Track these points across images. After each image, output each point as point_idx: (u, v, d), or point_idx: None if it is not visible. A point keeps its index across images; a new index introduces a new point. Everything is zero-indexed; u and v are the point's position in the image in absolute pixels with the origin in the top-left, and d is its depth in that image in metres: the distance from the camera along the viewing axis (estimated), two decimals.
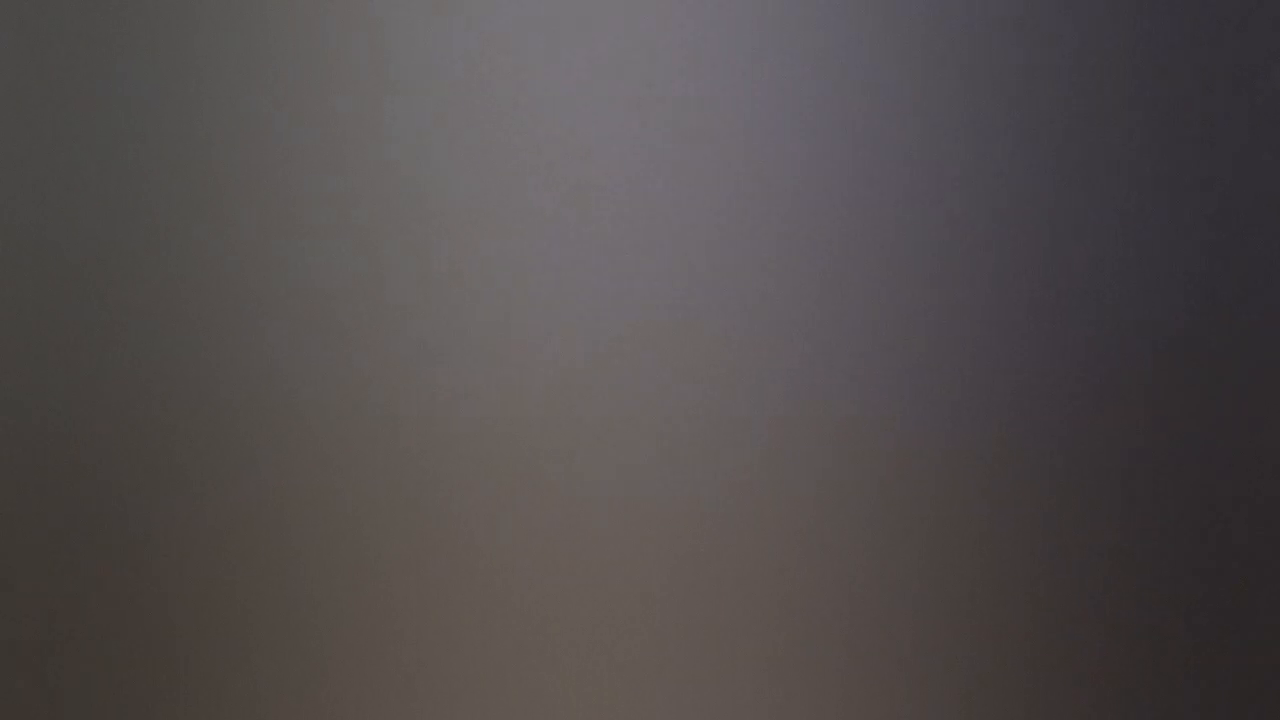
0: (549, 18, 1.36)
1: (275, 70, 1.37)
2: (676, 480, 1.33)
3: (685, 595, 1.30)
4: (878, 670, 1.28)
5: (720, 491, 1.33)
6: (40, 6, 1.38)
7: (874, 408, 1.35)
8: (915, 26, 1.35)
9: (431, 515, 1.33)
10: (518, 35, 1.36)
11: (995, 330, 1.35)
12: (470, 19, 1.36)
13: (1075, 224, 1.35)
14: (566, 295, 1.37)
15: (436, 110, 1.36)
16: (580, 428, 1.35)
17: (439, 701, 1.27)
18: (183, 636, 1.28)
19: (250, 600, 1.30)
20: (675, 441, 1.35)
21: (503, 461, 1.34)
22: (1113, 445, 1.34)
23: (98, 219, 1.37)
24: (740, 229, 1.36)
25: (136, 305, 1.37)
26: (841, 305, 1.36)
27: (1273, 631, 1.27)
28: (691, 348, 1.36)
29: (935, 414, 1.34)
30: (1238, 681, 1.26)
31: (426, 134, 1.36)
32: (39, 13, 1.37)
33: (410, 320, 1.37)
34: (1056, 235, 1.35)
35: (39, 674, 1.27)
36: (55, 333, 1.37)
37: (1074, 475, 1.34)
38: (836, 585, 1.30)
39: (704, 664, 1.27)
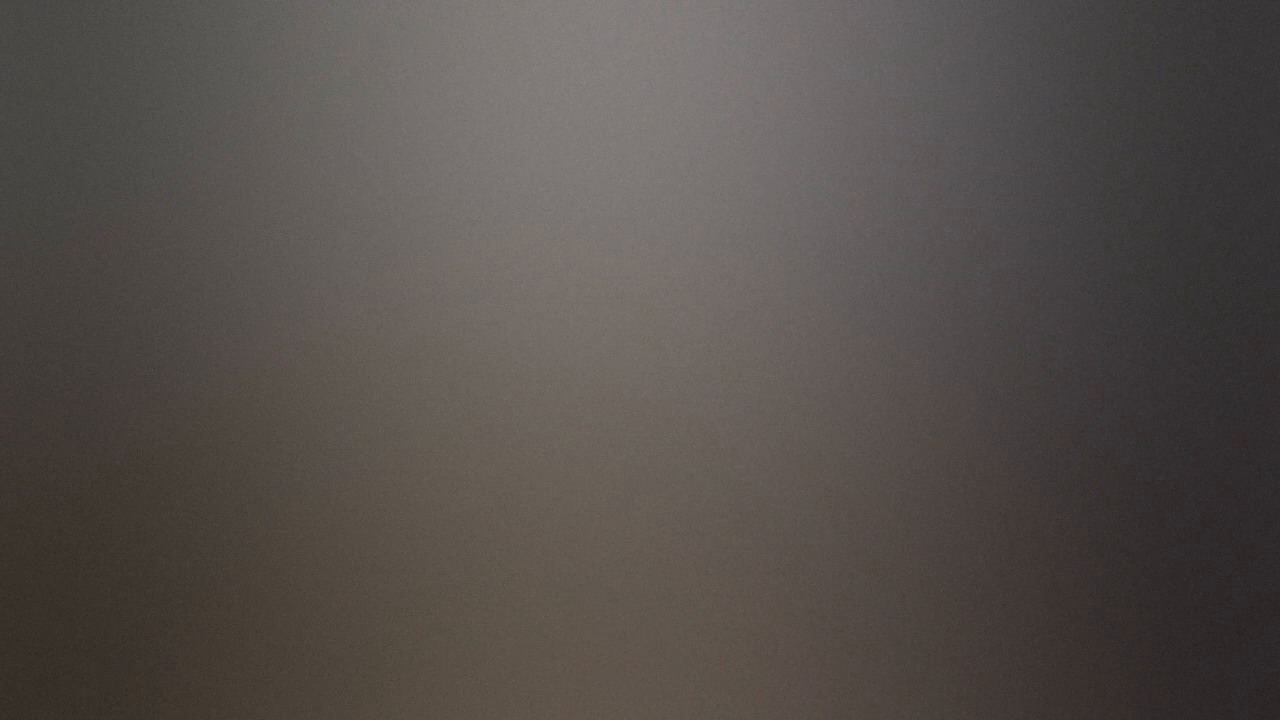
0: (549, 17, 1.36)
1: (275, 70, 1.37)
2: (677, 479, 1.33)
3: (686, 596, 1.30)
4: (879, 672, 1.28)
5: (721, 490, 1.33)
6: (40, 6, 1.38)
7: (874, 406, 1.35)
8: (915, 26, 1.35)
9: (431, 516, 1.33)
10: (518, 33, 1.36)
11: (994, 330, 1.35)
12: (471, 18, 1.36)
13: (1076, 225, 1.35)
14: (567, 295, 1.37)
15: (437, 109, 1.36)
16: (581, 427, 1.35)
17: (439, 702, 1.27)
18: (181, 638, 1.28)
19: (249, 601, 1.30)
20: (676, 441, 1.35)
21: (503, 461, 1.34)
22: (1112, 446, 1.34)
23: (97, 219, 1.37)
24: (741, 230, 1.36)
25: (135, 305, 1.37)
26: (842, 305, 1.36)
27: (1273, 631, 1.27)
28: (692, 348, 1.36)
29: (936, 413, 1.34)
30: (1238, 682, 1.26)
31: (426, 133, 1.36)
32: (39, 12, 1.38)
33: (410, 319, 1.37)
34: (1056, 236, 1.35)
35: (39, 675, 1.27)
36: (54, 333, 1.37)
37: (1073, 476, 1.34)
38: (838, 586, 1.30)
39: (705, 666, 1.27)
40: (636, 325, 1.36)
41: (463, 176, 1.36)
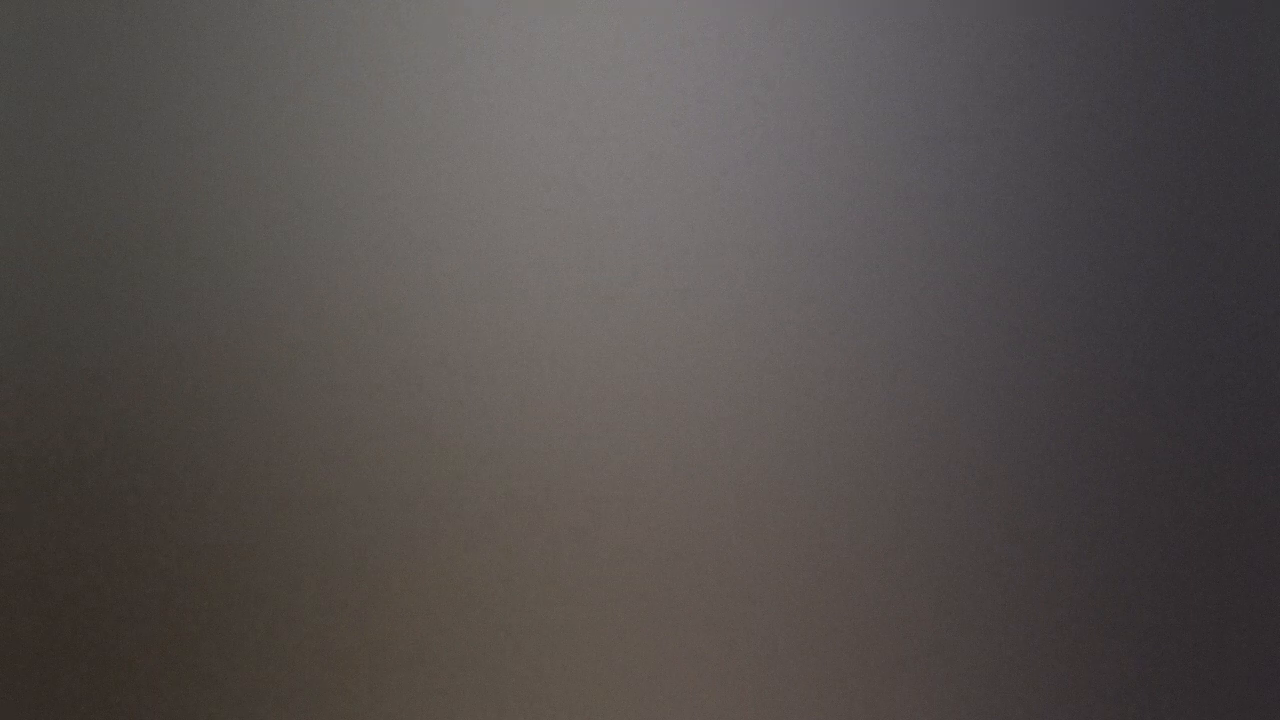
0: (549, 16, 1.36)
1: (275, 70, 1.37)
2: (678, 479, 1.33)
3: (687, 597, 1.30)
4: (880, 672, 1.28)
5: (721, 492, 1.33)
6: (40, 6, 1.38)
7: (876, 406, 1.35)
8: (915, 26, 1.35)
9: (431, 516, 1.33)
10: (518, 33, 1.36)
11: (995, 330, 1.35)
12: (471, 19, 1.36)
13: (1075, 225, 1.35)
14: (567, 294, 1.37)
15: (438, 109, 1.36)
16: (582, 427, 1.35)
17: (439, 702, 1.27)
18: (179, 637, 1.28)
19: (248, 600, 1.30)
20: (677, 440, 1.35)
21: (503, 461, 1.34)
22: (1113, 446, 1.34)
23: (97, 219, 1.37)
24: (741, 229, 1.36)
25: (135, 304, 1.37)
26: (843, 305, 1.36)
27: (1273, 631, 1.27)
28: (692, 348, 1.36)
29: (937, 413, 1.35)
30: (1238, 682, 1.26)
31: (427, 133, 1.36)
32: (39, 12, 1.38)
33: (411, 319, 1.37)
34: (1056, 236, 1.35)
35: (38, 675, 1.27)
36: (54, 332, 1.37)
37: (1074, 476, 1.34)
38: (839, 586, 1.30)
39: (706, 666, 1.27)
40: (637, 325, 1.36)
41: (463, 176, 1.36)
